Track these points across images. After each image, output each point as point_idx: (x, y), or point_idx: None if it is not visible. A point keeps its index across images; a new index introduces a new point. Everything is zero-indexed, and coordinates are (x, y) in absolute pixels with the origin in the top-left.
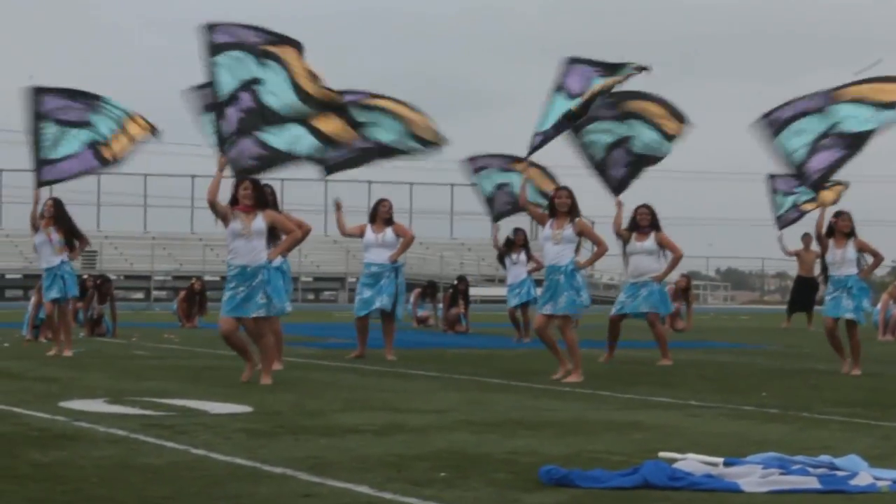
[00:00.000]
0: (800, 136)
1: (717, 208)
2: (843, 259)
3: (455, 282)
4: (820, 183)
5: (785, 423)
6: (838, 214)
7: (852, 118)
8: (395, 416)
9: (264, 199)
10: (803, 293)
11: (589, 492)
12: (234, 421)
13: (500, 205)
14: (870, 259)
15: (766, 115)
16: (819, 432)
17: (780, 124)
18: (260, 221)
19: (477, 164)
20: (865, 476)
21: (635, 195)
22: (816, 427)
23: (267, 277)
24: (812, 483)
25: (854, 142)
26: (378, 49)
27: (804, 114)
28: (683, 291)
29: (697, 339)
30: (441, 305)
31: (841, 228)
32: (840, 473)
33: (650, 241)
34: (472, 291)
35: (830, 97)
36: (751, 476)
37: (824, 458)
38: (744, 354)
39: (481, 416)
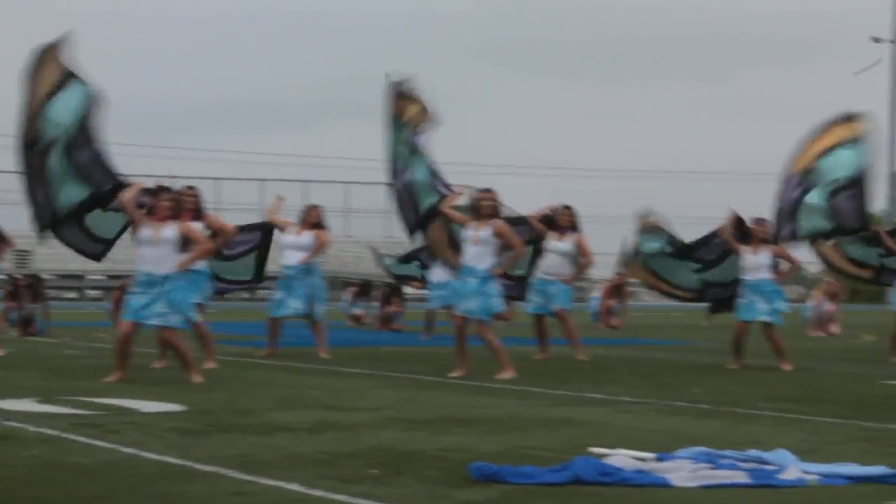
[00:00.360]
0: (813, 216)
1: (654, 207)
2: (757, 264)
3: (390, 280)
4: (861, 226)
5: (716, 418)
6: (758, 221)
7: (837, 168)
8: (327, 414)
9: (180, 211)
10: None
11: (519, 488)
12: (165, 420)
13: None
14: (786, 266)
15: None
16: (750, 427)
17: (790, 219)
18: (171, 231)
19: None
20: (794, 470)
21: (562, 196)
22: (747, 422)
23: (171, 287)
24: (741, 477)
25: (857, 182)
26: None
27: (797, 200)
28: (618, 289)
29: (631, 337)
30: (376, 304)
31: (758, 234)
32: (769, 468)
33: (567, 243)
34: (408, 290)
35: (801, 173)
36: (680, 471)
37: (753, 452)
38: (677, 351)
39: (414, 414)
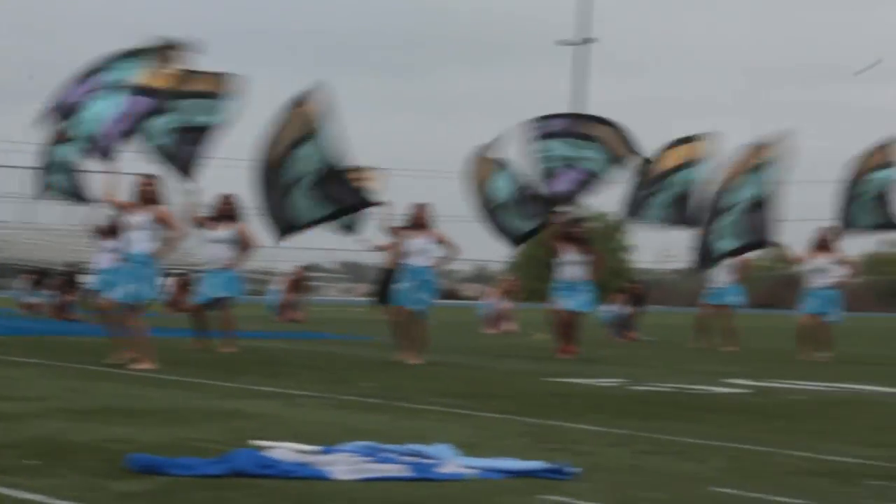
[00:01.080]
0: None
1: None
2: (419, 249)
3: (67, 268)
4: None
5: (384, 412)
6: (420, 206)
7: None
8: None
9: (153, 197)
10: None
11: (177, 480)
12: None
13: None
14: (440, 251)
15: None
16: (416, 422)
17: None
18: (143, 216)
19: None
20: (453, 464)
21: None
22: (414, 416)
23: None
24: (401, 471)
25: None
26: None
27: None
28: (299, 283)
29: (311, 330)
30: (51, 292)
31: (418, 221)
32: (428, 461)
33: (230, 231)
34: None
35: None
36: (341, 464)
37: (414, 446)
38: (354, 345)
39: (80, 404)
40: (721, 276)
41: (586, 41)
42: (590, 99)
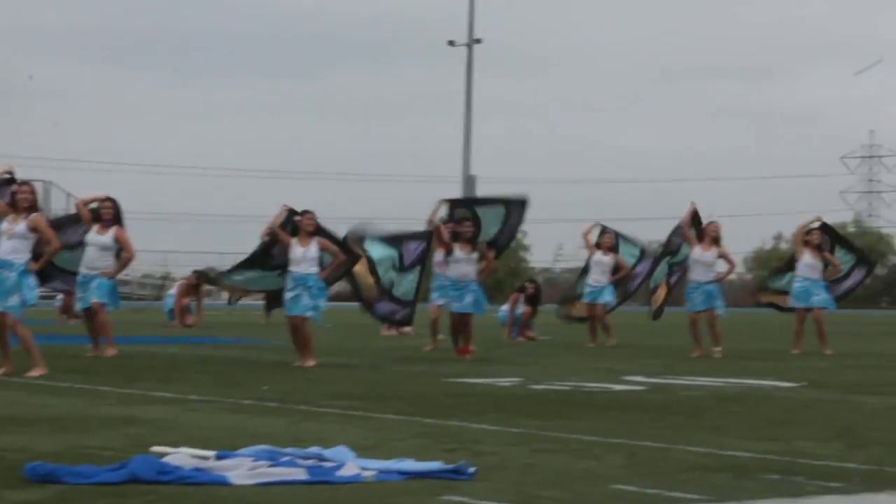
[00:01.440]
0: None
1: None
2: (304, 257)
3: None
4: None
5: (282, 416)
6: (305, 213)
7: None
8: None
9: (34, 206)
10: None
11: (74, 488)
12: None
13: None
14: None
15: None
16: (314, 425)
17: None
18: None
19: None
20: (352, 466)
21: (114, 190)
22: (313, 419)
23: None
24: (300, 474)
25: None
26: None
27: None
28: (194, 287)
29: (207, 335)
30: None
31: (305, 227)
32: (328, 464)
33: (108, 236)
34: None
35: None
36: (240, 469)
37: (313, 449)
38: (251, 349)
39: None
40: (597, 275)
41: (475, 42)
42: (482, 98)
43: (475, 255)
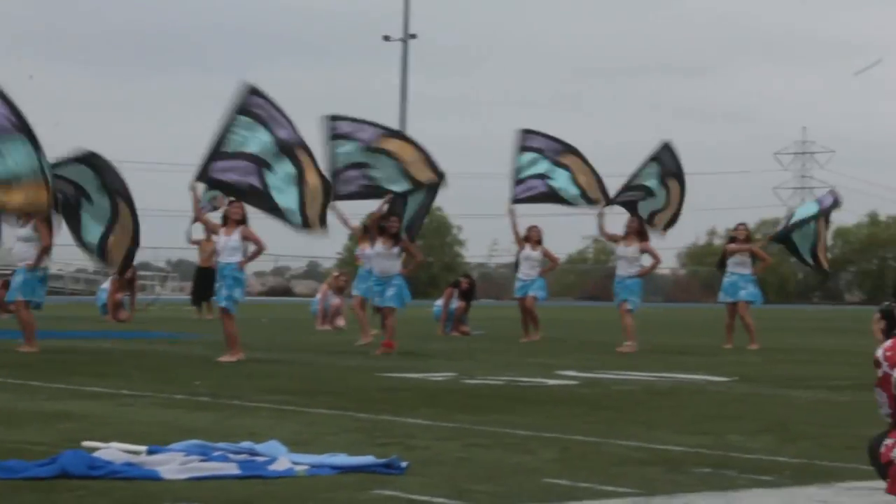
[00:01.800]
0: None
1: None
2: (225, 246)
3: None
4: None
5: (215, 410)
6: (232, 202)
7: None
8: None
9: None
10: (205, 283)
11: (4, 482)
12: None
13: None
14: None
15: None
16: (247, 419)
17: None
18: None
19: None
20: (284, 461)
21: None
22: (245, 414)
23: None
24: (232, 469)
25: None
26: None
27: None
28: (128, 282)
29: (141, 329)
30: None
31: (232, 216)
32: (260, 459)
33: (28, 229)
34: None
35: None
36: (171, 463)
37: (246, 444)
38: (184, 344)
39: None
40: (526, 269)
41: (410, 37)
42: (417, 94)
43: (396, 250)
